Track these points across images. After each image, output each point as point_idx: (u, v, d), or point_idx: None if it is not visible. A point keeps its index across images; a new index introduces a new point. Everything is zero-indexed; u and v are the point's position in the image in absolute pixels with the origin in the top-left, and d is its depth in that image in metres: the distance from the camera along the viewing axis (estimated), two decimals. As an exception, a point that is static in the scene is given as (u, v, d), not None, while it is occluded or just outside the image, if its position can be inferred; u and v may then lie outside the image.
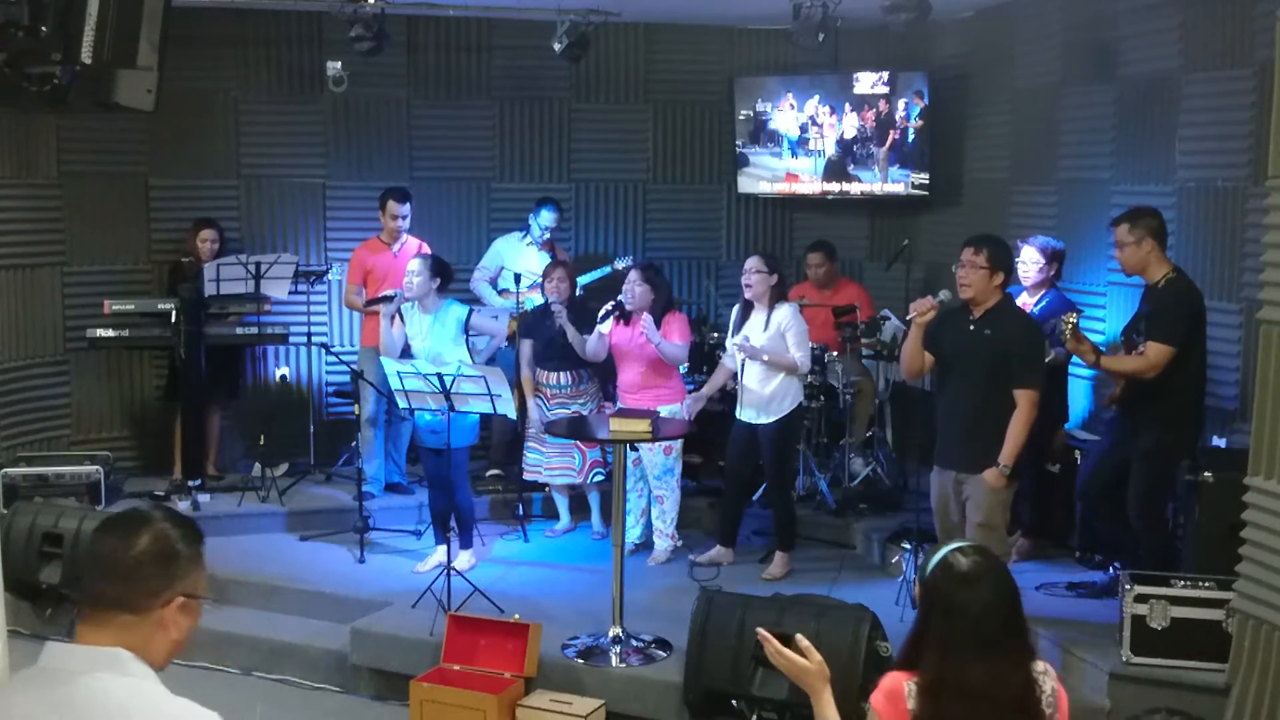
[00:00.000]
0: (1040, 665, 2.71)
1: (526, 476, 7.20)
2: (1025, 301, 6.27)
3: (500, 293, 7.85)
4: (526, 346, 7.04)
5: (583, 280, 7.65)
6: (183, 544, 2.22)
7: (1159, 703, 4.86)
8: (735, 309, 6.66)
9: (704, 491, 7.59)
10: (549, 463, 7.05)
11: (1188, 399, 5.38)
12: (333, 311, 8.35)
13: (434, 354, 6.36)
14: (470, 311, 6.64)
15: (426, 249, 7.64)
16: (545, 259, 7.74)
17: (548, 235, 7.88)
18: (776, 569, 6.60)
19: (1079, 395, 7.06)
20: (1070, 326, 5.39)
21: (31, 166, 7.69)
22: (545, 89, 8.57)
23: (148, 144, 8.03)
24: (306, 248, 8.34)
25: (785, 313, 6.43)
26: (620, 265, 7.85)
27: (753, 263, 6.47)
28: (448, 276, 6.60)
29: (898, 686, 2.70)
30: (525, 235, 7.94)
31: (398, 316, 6.51)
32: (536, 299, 7.44)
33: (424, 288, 6.41)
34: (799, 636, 2.86)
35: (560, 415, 6.79)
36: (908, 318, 5.40)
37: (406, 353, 6.51)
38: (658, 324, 6.59)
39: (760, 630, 2.99)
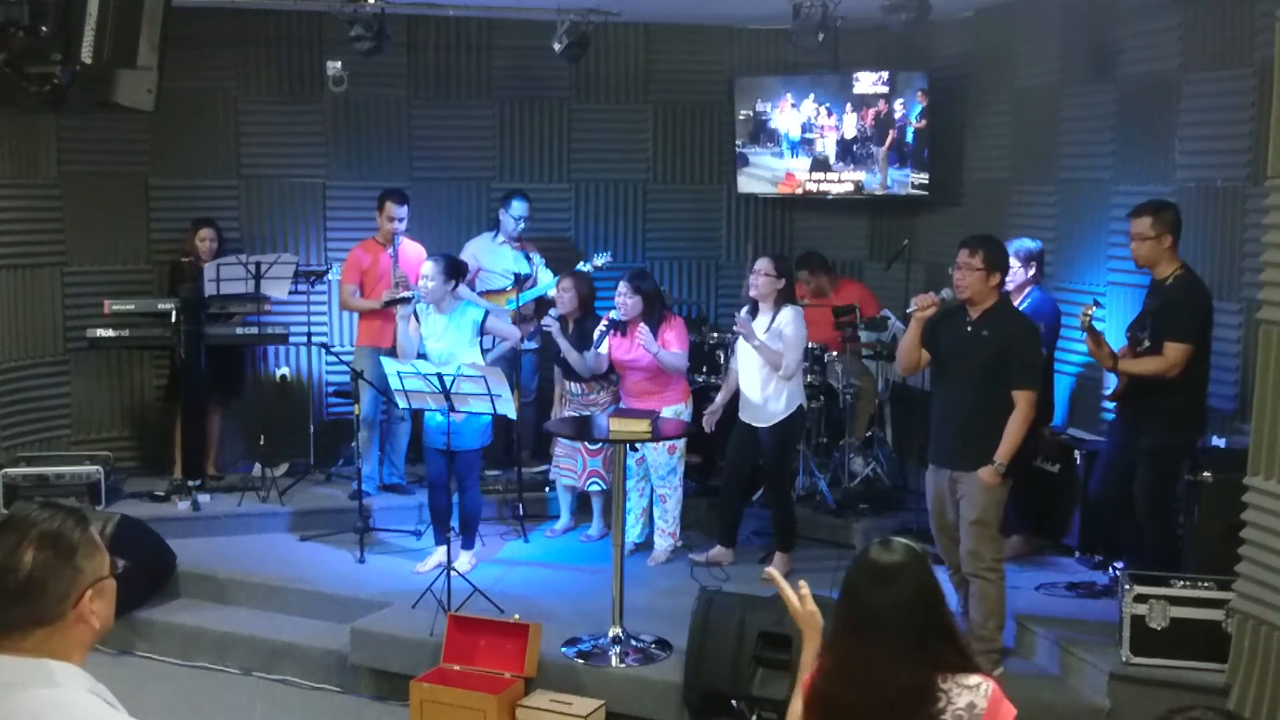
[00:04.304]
0: (973, 679, 2.59)
1: (553, 476, 7.27)
2: None
3: (483, 294, 7.73)
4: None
5: (548, 286, 7.60)
6: (74, 534, 2.03)
7: (1159, 703, 4.86)
8: (744, 309, 6.67)
9: (704, 492, 7.59)
10: (560, 461, 7.09)
11: (1190, 397, 5.38)
12: (333, 311, 8.34)
13: (448, 355, 6.35)
14: (486, 314, 6.65)
15: (423, 251, 7.62)
16: (519, 257, 7.77)
17: (522, 225, 7.81)
18: (776, 569, 6.59)
19: (1067, 393, 7.06)
20: (1087, 319, 5.36)
21: (31, 166, 7.69)
22: (545, 89, 8.57)
23: (148, 144, 8.02)
24: (306, 248, 8.33)
25: (787, 316, 6.43)
26: (600, 262, 7.70)
27: (763, 264, 6.48)
28: (462, 276, 6.62)
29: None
30: (497, 234, 7.89)
31: (414, 317, 6.51)
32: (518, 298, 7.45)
33: (439, 291, 6.41)
34: (801, 583, 2.89)
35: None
36: (908, 310, 5.39)
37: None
38: (654, 334, 6.59)
39: (769, 569, 2.98)
